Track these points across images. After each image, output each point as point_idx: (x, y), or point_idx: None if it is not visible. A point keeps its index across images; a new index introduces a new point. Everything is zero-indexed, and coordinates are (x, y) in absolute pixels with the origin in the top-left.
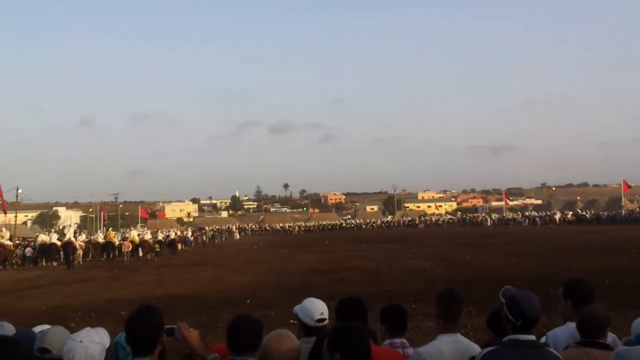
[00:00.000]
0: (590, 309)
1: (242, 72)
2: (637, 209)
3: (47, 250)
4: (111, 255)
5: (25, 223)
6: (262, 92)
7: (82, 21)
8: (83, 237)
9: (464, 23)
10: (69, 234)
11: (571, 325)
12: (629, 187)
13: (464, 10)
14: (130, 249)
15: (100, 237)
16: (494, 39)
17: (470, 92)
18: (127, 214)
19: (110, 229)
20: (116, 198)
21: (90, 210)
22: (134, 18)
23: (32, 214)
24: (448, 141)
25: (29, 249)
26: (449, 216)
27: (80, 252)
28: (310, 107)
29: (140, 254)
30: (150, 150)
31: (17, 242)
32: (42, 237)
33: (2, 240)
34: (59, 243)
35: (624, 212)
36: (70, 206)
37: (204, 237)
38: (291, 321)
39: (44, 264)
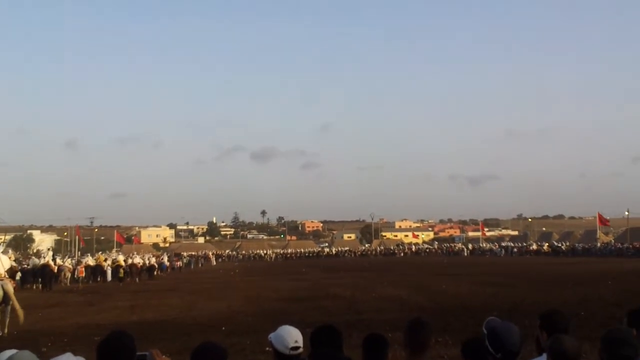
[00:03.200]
0: (561, 341)
1: (229, 98)
2: (612, 242)
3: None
4: (99, 279)
5: None
6: (248, 117)
7: (69, 45)
8: (69, 260)
9: (448, 55)
10: (48, 257)
11: (546, 357)
12: (607, 220)
13: (448, 42)
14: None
15: (90, 261)
16: (478, 71)
17: (453, 122)
18: (102, 238)
19: (100, 252)
20: (92, 222)
21: (65, 234)
22: (119, 41)
23: (7, 237)
24: (430, 170)
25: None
26: (426, 246)
27: (68, 274)
28: (295, 134)
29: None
30: (132, 174)
31: None
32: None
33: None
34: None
35: (599, 245)
36: (45, 229)
37: (181, 262)
38: (267, 349)
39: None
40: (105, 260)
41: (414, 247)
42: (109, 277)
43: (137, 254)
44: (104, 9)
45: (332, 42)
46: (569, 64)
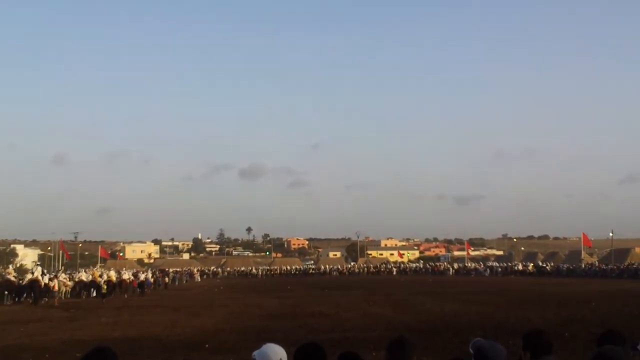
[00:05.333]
0: None
1: (219, 116)
2: (596, 263)
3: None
4: (94, 294)
5: None
6: (238, 135)
7: (55, 55)
8: (63, 275)
9: (437, 75)
10: (37, 273)
11: None
12: (590, 240)
13: (437, 62)
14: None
15: (84, 276)
16: (468, 92)
17: (443, 142)
18: (86, 253)
19: (95, 268)
20: (76, 237)
21: (49, 248)
22: (108, 54)
23: None
24: (417, 190)
25: None
26: (411, 264)
27: (64, 289)
28: (284, 152)
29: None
30: (118, 189)
31: None
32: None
33: (8, 277)
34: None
35: (583, 265)
36: (29, 244)
37: (166, 279)
38: None
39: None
40: (100, 275)
41: (399, 265)
42: (94, 293)
43: (126, 269)
44: (93, 22)
45: (323, 59)
46: (557, 85)
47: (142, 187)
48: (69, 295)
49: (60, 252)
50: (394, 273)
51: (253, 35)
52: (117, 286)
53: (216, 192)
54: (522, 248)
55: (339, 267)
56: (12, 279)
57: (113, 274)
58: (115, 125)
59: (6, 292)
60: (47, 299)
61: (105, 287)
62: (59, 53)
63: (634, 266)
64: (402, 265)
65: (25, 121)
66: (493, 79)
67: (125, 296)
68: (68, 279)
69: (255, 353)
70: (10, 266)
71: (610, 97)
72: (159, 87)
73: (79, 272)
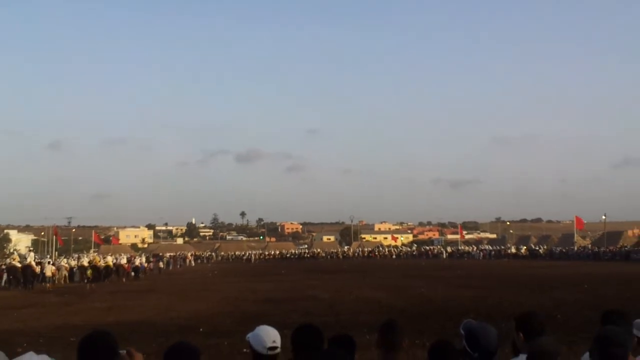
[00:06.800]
0: (541, 342)
1: (217, 100)
2: (589, 246)
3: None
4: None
5: None
6: (236, 120)
7: (54, 44)
8: (65, 260)
9: (434, 60)
10: (30, 258)
11: (523, 358)
12: (583, 223)
13: (433, 47)
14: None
15: (85, 261)
16: (464, 77)
17: (439, 127)
18: (80, 238)
19: (95, 253)
20: (69, 222)
21: (42, 234)
22: (105, 42)
23: None
24: (414, 174)
25: None
26: (405, 248)
27: (65, 273)
28: (282, 137)
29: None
30: (114, 175)
31: None
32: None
33: (13, 262)
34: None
35: (576, 248)
36: (22, 229)
37: (160, 263)
38: (244, 350)
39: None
40: (100, 261)
41: (393, 249)
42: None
43: (124, 254)
44: (90, 10)
45: (319, 45)
46: (551, 71)
47: (136, 172)
48: (68, 280)
49: (54, 237)
50: (393, 257)
51: (249, 22)
52: (114, 271)
53: (211, 177)
54: (511, 231)
55: (334, 250)
56: (17, 264)
57: (110, 260)
58: (111, 111)
59: (11, 277)
60: (43, 284)
61: (90, 272)
62: (55, 40)
63: (627, 249)
64: (395, 249)
65: (21, 108)
66: (489, 66)
67: (124, 280)
68: (68, 265)
69: (249, 335)
70: (15, 252)
71: (604, 83)
72: (154, 74)
73: (80, 257)
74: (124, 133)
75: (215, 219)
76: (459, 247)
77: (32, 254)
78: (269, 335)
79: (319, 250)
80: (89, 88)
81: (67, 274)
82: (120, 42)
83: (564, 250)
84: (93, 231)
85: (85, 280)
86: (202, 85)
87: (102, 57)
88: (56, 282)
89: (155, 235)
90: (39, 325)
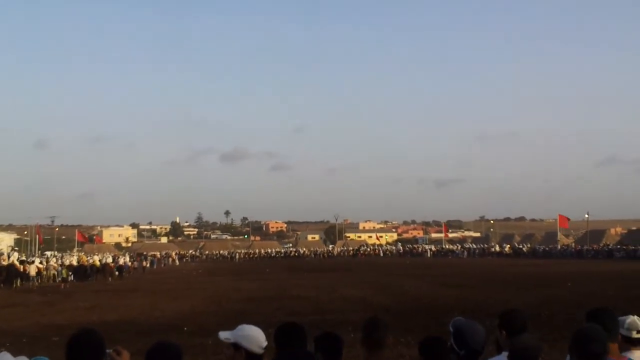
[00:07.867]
0: (522, 339)
1: (203, 99)
2: (572, 244)
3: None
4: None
5: None
6: (222, 118)
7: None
8: (54, 260)
9: (419, 58)
10: (13, 258)
11: (505, 355)
12: (568, 219)
13: (420, 45)
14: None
15: (74, 260)
16: (449, 75)
17: (424, 125)
18: (63, 237)
19: (82, 253)
20: (52, 221)
21: (25, 232)
22: (90, 40)
23: None
24: (399, 173)
25: None
26: (389, 247)
27: (54, 272)
28: (267, 136)
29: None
30: (99, 174)
31: None
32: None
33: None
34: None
35: (559, 247)
36: (5, 228)
37: (144, 262)
38: (225, 351)
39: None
40: (88, 260)
41: (377, 248)
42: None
43: (109, 254)
44: (73, 8)
45: (305, 43)
46: (535, 69)
47: (120, 171)
48: (59, 279)
49: (37, 236)
50: (381, 255)
51: (235, 21)
52: (100, 270)
53: (195, 175)
54: (492, 230)
55: (318, 249)
56: (17, 263)
57: (97, 259)
58: (96, 109)
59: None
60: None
61: (65, 272)
62: (41, 38)
63: (609, 247)
64: (380, 248)
65: (5, 106)
66: (472, 63)
67: (110, 279)
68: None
69: (239, 335)
70: (16, 252)
71: (588, 82)
72: (139, 72)
73: (70, 257)
74: (108, 132)
75: (199, 218)
76: (443, 246)
77: (15, 253)
78: (261, 334)
79: (304, 249)
80: (74, 87)
81: (55, 273)
82: (106, 40)
83: (547, 248)
84: (77, 230)
85: (61, 279)
86: (188, 84)
87: (87, 55)
88: (44, 280)
89: (139, 234)
90: (22, 325)
